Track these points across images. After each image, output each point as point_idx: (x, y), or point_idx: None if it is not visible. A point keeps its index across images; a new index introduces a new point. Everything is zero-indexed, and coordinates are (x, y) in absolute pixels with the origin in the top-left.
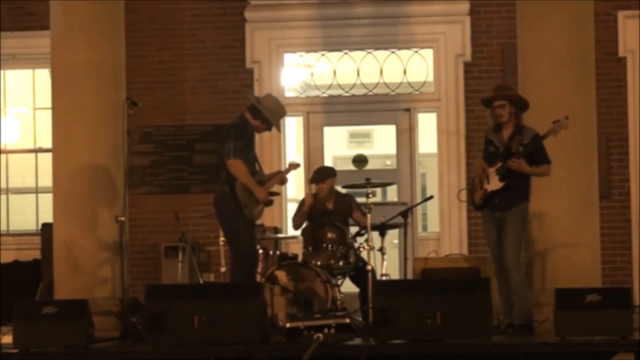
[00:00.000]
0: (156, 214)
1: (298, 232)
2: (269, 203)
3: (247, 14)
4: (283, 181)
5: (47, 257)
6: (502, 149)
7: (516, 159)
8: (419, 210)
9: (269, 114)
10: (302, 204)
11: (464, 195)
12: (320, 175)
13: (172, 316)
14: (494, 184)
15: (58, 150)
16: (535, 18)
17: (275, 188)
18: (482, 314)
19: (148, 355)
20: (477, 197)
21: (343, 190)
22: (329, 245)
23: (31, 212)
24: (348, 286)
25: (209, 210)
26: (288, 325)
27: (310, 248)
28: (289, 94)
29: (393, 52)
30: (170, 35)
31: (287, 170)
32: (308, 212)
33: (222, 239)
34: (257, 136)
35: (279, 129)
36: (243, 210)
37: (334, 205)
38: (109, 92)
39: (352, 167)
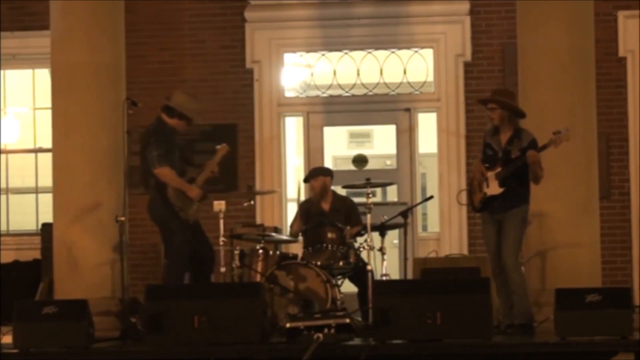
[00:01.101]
0: None
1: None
2: (204, 198)
3: (247, 14)
4: (214, 171)
5: (47, 257)
6: (501, 154)
7: (536, 151)
8: (419, 210)
9: (183, 108)
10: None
11: (463, 198)
12: (311, 172)
13: (172, 316)
14: (494, 189)
15: (58, 150)
16: (535, 18)
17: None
18: (482, 314)
19: (148, 355)
20: (476, 200)
21: (343, 192)
22: (329, 245)
23: (31, 212)
24: (348, 286)
25: (209, 211)
26: (288, 325)
27: (310, 248)
28: (289, 94)
29: (393, 52)
30: (170, 35)
31: (217, 158)
32: (304, 217)
33: (222, 239)
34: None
35: (198, 120)
36: (178, 214)
37: (330, 207)
38: (109, 92)
39: (352, 167)
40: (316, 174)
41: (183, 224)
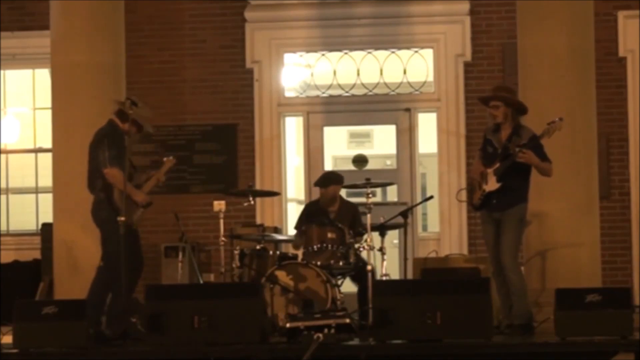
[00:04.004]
0: (156, 214)
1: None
2: (149, 205)
3: (247, 14)
4: (160, 180)
5: (47, 257)
6: (500, 150)
7: (525, 150)
8: (419, 210)
9: (136, 115)
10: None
11: (463, 196)
12: (325, 180)
13: (172, 316)
14: (492, 184)
15: (58, 150)
16: (535, 18)
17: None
18: (482, 314)
19: (148, 355)
20: (476, 197)
21: (343, 192)
22: (329, 245)
23: (31, 212)
24: (348, 286)
25: (209, 211)
26: (288, 325)
27: (310, 248)
28: (289, 94)
29: (393, 52)
30: (170, 35)
31: (163, 169)
32: (308, 218)
33: (222, 239)
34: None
35: (149, 129)
36: (121, 218)
37: (337, 213)
38: (109, 92)
39: (352, 167)
40: (329, 183)
41: (125, 228)
